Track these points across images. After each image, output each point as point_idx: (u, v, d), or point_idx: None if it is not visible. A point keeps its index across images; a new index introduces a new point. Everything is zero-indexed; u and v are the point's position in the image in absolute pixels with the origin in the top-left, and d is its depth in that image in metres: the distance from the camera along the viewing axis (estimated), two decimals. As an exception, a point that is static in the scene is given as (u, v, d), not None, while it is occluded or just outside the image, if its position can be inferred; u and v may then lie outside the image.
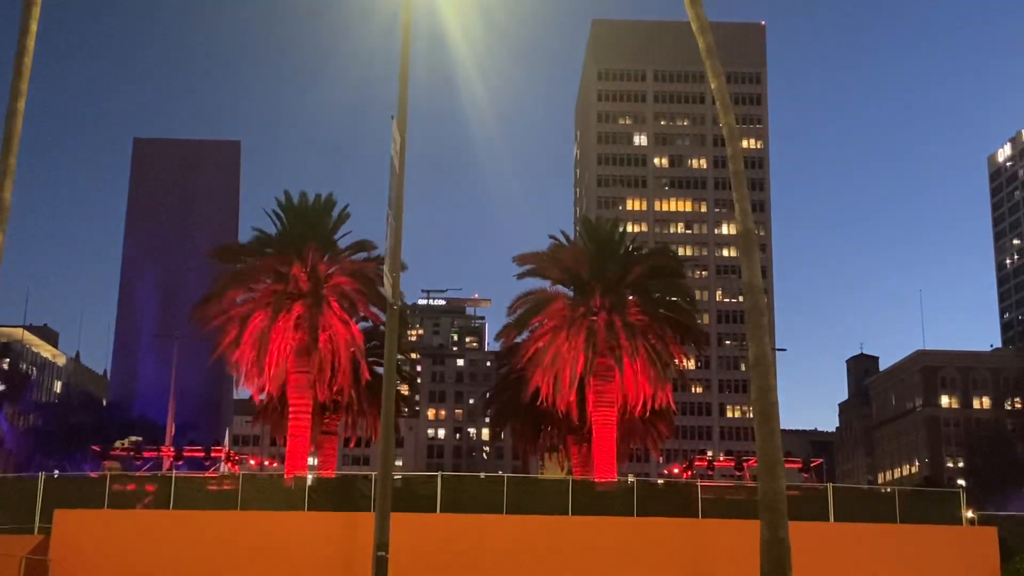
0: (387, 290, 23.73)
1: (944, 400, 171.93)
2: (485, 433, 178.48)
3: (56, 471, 39.13)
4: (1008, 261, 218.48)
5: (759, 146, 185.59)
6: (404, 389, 67.76)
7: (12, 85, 21.05)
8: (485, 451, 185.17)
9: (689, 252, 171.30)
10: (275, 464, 61.40)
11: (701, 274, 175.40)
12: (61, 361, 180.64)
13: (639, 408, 46.52)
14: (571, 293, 48.98)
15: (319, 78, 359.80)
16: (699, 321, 56.91)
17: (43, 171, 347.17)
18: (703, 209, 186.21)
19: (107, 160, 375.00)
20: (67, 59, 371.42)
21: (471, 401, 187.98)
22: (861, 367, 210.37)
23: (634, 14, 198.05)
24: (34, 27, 21.59)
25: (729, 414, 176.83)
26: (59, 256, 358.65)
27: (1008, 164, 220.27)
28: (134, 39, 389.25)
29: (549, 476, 53.43)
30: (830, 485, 39.70)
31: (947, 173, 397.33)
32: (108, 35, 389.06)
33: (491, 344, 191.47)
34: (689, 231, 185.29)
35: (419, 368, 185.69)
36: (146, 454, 52.57)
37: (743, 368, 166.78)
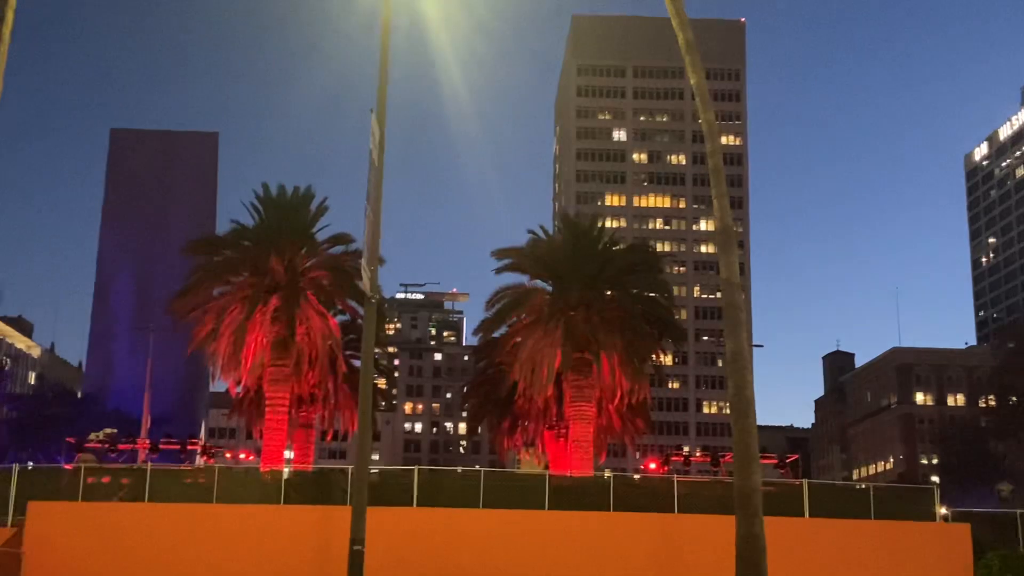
0: (365, 283, 23.72)
1: (919, 397, 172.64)
2: (462, 427, 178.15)
3: (30, 463, 38.85)
4: (984, 259, 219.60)
5: (738, 143, 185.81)
6: (381, 383, 67.60)
7: (-12, 74, 20.82)
8: (462, 445, 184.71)
9: (667, 248, 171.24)
10: (251, 457, 61.05)
11: (679, 270, 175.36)
12: (36, 352, 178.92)
13: (616, 403, 46.59)
14: (549, 288, 48.99)
15: (299, 71, 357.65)
16: (677, 317, 57.00)
17: (19, 160, 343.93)
18: (682, 205, 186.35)
19: (84, 150, 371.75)
20: (44, 49, 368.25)
21: (448, 395, 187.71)
22: (837, 364, 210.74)
23: (614, 9, 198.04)
24: (11, 16, 21.38)
25: (706, 410, 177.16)
26: (34, 246, 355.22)
27: (984, 163, 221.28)
28: (112, 29, 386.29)
29: (526, 471, 53.43)
30: (805, 481, 39.84)
31: (924, 171, 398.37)
32: (86, 25, 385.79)
33: (469, 338, 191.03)
34: (668, 227, 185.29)
35: (396, 362, 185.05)
36: (121, 447, 52.02)
37: (720, 364, 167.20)
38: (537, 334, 45.65)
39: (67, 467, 41.65)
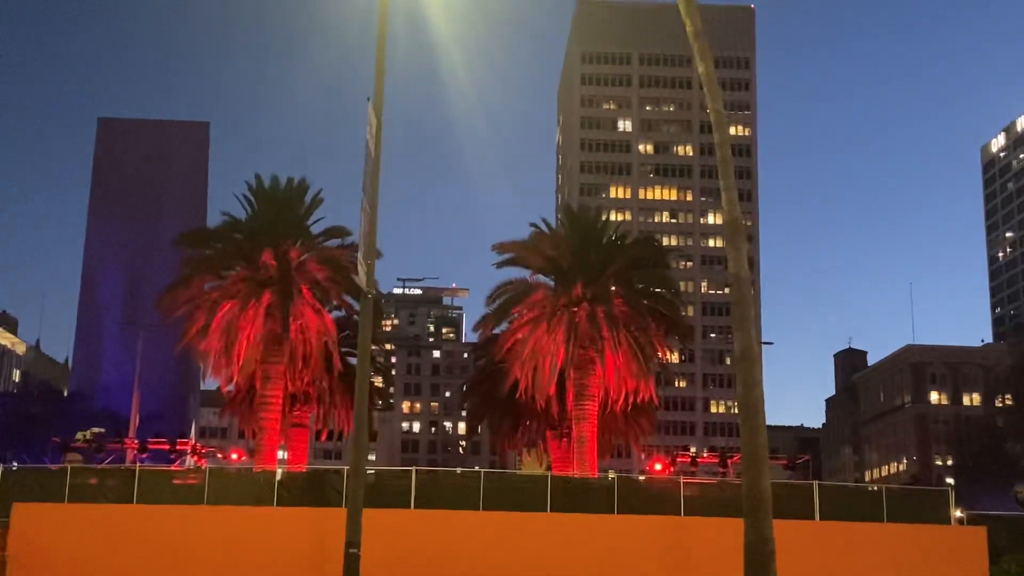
0: (361, 278, 23.50)
1: (933, 396, 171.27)
2: (461, 427, 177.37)
3: (15, 463, 38.69)
4: (1000, 254, 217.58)
5: (747, 133, 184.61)
6: (378, 381, 67.27)
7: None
8: (461, 446, 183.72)
9: (674, 242, 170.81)
10: (243, 457, 60.76)
11: (686, 265, 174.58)
12: (20, 349, 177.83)
13: (621, 402, 46.63)
14: (552, 283, 49.09)
15: (293, 58, 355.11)
16: (684, 313, 56.89)
17: (3, 152, 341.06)
18: (689, 197, 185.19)
19: (71, 141, 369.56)
20: (31, 38, 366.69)
21: (447, 394, 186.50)
22: (849, 362, 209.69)
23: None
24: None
25: (713, 409, 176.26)
26: (19, 240, 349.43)
27: (1001, 154, 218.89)
28: (100, 17, 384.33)
29: (527, 472, 53.14)
30: (816, 483, 39.55)
31: (939, 163, 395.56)
32: (74, 13, 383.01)
33: (469, 335, 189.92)
34: (674, 220, 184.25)
35: (394, 359, 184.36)
36: (109, 446, 52.46)
37: (728, 362, 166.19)
38: (539, 331, 45.62)
39: (53, 467, 41.92)
